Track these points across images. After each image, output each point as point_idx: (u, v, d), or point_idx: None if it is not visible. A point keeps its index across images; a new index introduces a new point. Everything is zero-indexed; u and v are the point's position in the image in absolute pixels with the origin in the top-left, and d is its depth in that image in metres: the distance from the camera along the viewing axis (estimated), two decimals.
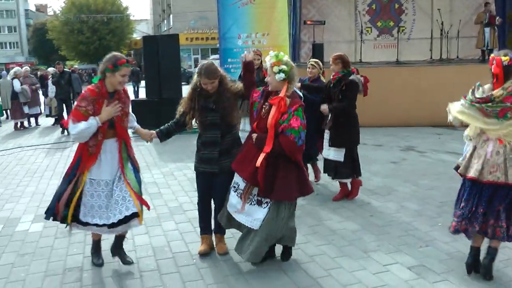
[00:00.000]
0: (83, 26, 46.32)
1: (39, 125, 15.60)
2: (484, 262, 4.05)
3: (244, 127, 5.96)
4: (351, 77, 5.96)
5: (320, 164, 6.90)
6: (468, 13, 14.72)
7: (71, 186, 4.11)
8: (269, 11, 12.30)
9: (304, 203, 5.96)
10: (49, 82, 14.76)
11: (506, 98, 3.76)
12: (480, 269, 4.07)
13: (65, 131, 12.85)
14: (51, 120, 15.56)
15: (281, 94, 4.08)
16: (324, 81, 6.66)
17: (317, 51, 12.55)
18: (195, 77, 4.46)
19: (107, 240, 4.62)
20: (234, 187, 4.37)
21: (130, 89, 20.22)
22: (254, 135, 4.20)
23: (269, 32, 12.35)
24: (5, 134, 13.92)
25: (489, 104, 3.82)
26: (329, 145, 6.15)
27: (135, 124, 4.52)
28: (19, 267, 4.56)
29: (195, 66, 29.97)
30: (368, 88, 6.16)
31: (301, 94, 5.67)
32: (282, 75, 4.07)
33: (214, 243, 4.78)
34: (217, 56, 18.85)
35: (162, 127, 4.62)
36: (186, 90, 4.69)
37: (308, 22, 14.37)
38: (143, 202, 4.22)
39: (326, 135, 6.23)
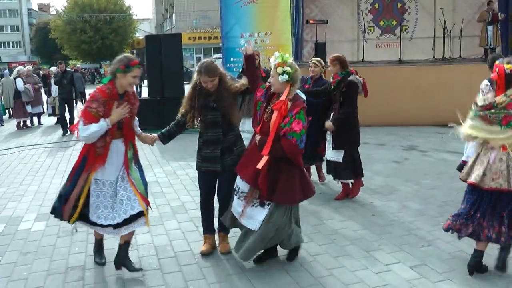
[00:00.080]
0: (85, 25, 46.34)
1: (41, 124, 15.64)
2: (502, 255, 4.10)
3: (243, 127, 5.95)
4: (350, 78, 5.96)
5: (324, 165, 6.89)
6: (471, 12, 14.69)
7: (78, 188, 4.08)
8: (271, 10, 12.29)
9: (307, 202, 5.92)
10: (52, 81, 14.76)
11: (510, 105, 3.80)
12: (496, 262, 4.12)
13: (66, 132, 12.83)
14: (54, 119, 15.58)
15: (283, 97, 4.07)
16: (326, 79, 6.67)
17: (320, 50, 12.55)
18: (194, 75, 4.45)
19: (109, 239, 4.63)
20: (235, 189, 4.37)
21: None
22: (258, 138, 4.20)
23: (271, 31, 12.34)
24: (8, 133, 13.96)
25: (492, 110, 3.85)
26: (332, 148, 6.15)
27: (138, 129, 4.47)
28: (22, 265, 4.57)
29: None
30: (367, 90, 6.15)
31: (304, 97, 5.66)
32: (286, 77, 4.06)
33: (217, 242, 4.78)
34: (219, 55, 18.87)
35: (163, 130, 4.60)
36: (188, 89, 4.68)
37: (311, 21, 14.34)
38: (147, 203, 4.19)
39: (328, 136, 6.24)
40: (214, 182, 4.63)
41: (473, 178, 3.95)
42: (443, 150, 9.34)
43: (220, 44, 13.73)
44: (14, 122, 15.38)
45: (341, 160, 6.10)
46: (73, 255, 4.76)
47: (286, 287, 4.02)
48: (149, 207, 4.28)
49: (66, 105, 13.07)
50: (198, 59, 44.53)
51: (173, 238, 5.15)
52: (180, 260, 4.58)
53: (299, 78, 4.25)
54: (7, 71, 18.53)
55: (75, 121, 12.96)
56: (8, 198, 6.89)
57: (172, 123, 4.62)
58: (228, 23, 12.56)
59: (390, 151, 9.48)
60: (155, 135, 4.54)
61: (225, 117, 4.41)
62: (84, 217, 4.18)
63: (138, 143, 4.37)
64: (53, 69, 16.99)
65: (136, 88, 22.84)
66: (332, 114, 6.18)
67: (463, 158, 5.89)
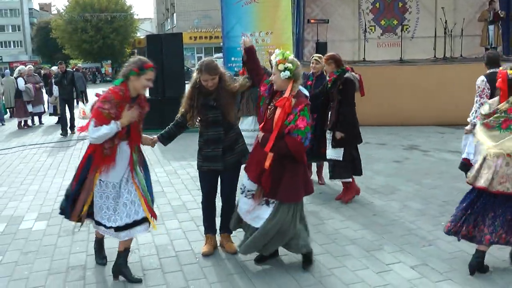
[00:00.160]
0: (87, 25, 46.36)
1: (42, 123, 15.65)
2: None
3: (241, 126, 5.94)
4: (346, 75, 5.96)
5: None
6: (472, 12, 14.67)
7: (86, 192, 4.05)
8: (272, 9, 12.28)
9: (307, 202, 5.94)
10: (53, 81, 14.77)
11: (510, 110, 3.86)
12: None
13: (66, 134, 12.79)
14: (55, 119, 15.58)
15: (286, 94, 4.04)
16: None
17: (321, 49, 12.52)
18: (194, 74, 4.43)
19: (110, 238, 4.62)
20: (241, 189, 4.36)
21: None
22: (260, 135, 4.19)
23: (272, 31, 12.32)
24: (9, 133, 13.97)
25: (495, 115, 3.94)
26: (332, 146, 6.14)
27: None
28: (23, 265, 4.57)
29: None
30: (364, 87, 6.15)
31: (307, 93, 5.64)
32: (287, 73, 4.03)
33: (219, 243, 4.78)
34: (220, 54, 18.85)
35: (163, 131, 4.57)
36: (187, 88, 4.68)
37: (312, 21, 14.34)
38: (151, 213, 4.14)
39: (328, 135, 6.23)
40: (215, 181, 4.63)
41: (483, 182, 3.98)
42: (444, 150, 9.33)
43: (221, 44, 13.72)
44: (15, 121, 15.40)
45: (341, 158, 6.08)
46: (74, 255, 4.76)
47: (287, 286, 4.01)
48: (155, 219, 4.21)
49: (66, 105, 13.00)
50: (199, 59, 44.31)
51: (174, 237, 5.15)
52: (181, 259, 4.59)
53: (301, 74, 4.22)
54: (8, 70, 18.54)
55: (75, 121, 12.86)
56: (9, 198, 6.90)
57: (172, 123, 4.59)
58: (229, 22, 12.55)
59: (391, 150, 9.48)
60: (155, 136, 4.50)
61: (225, 116, 4.40)
62: (91, 215, 4.18)
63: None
64: (54, 68, 16.98)
65: None
66: (330, 113, 6.16)
67: (464, 156, 5.88)
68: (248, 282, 4.10)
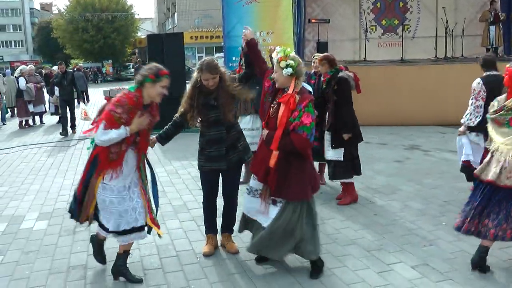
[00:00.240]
0: (88, 24, 46.38)
1: (43, 123, 15.66)
2: None
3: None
4: (340, 74, 5.96)
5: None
6: (473, 11, 14.65)
7: (92, 192, 4.03)
8: (273, 9, 12.27)
9: None
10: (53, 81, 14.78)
11: None
12: None
13: (66, 134, 12.77)
14: (56, 118, 15.59)
15: (290, 91, 4.00)
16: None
17: (322, 49, 12.51)
18: (194, 74, 4.42)
19: (110, 238, 4.62)
20: (247, 189, 4.36)
21: None
22: (265, 133, 4.16)
23: (273, 31, 12.32)
24: (10, 132, 13.98)
25: (501, 112, 3.95)
26: (332, 147, 6.12)
27: None
28: (24, 264, 4.58)
29: None
30: (360, 85, 6.14)
31: (310, 89, 5.63)
32: (290, 70, 4.00)
33: (219, 242, 4.78)
34: (221, 54, 18.85)
35: (161, 132, 4.55)
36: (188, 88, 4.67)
37: (313, 21, 14.34)
38: (154, 224, 4.14)
39: (327, 136, 6.21)
40: (217, 181, 4.62)
41: (490, 176, 4.00)
42: (445, 150, 9.32)
43: (222, 43, 13.72)
44: (16, 121, 15.41)
45: (341, 159, 6.07)
46: (75, 254, 4.77)
47: (288, 286, 4.02)
48: (160, 236, 4.25)
49: (67, 106, 12.97)
50: (200, 58, 44.31)
51: (174, 237, 5.15)
52: (181, 259, 4.59)
53: (303, 71, 4.16)
54: (9, 70, 18.53)
55: (76, 121, 12.84)
56: (10, 197, 6.91)
57: (169, 123, 4.57)
58: (230, 22, 12.54)
59: (392, 150, 9.48)
60: (153, 137, 4.46)
61: (226, 115, 4.39)
62: (96, 216, 4.19)
63: None
64: (55, 68, 16.99)
65: None
66: (327, 114, 6.14)
67: (463, 158, 5.87)
68: (249, 282, 4.10)
